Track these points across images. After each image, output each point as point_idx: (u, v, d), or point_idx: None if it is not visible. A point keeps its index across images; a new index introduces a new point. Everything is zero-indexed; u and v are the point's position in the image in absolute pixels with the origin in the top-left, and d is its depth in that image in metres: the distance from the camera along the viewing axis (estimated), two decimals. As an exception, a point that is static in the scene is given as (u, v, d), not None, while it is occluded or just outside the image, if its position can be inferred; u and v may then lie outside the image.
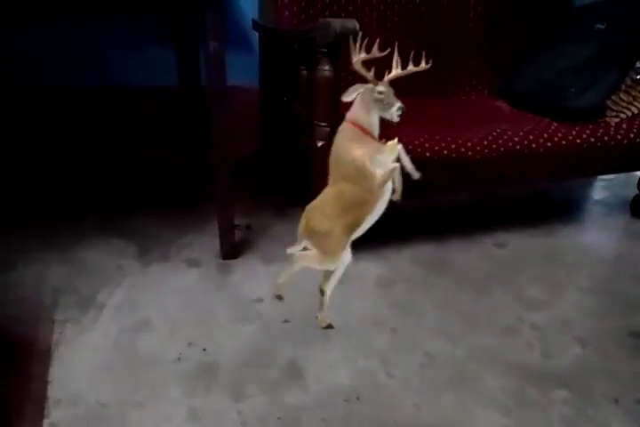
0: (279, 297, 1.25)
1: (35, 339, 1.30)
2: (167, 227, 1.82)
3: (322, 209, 1.15)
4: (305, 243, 1.18)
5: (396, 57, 1.12)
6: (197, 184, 2.09)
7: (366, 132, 1.14)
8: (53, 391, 1.15)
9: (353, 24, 1.31)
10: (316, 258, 1.16)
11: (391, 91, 1.12)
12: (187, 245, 1.73)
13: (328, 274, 1.26)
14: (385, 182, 1.12)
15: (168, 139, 2.14)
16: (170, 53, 2.02)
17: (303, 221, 1.16)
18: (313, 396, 1.17)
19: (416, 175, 1.17)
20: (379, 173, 1.11)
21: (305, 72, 1.58)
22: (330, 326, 1.35)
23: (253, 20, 2.01)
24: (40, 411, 1.10)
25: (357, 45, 1.12)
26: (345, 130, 1.16)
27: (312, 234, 1.15)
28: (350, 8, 1.90)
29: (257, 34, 2.01)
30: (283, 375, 1.23)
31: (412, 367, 1.27)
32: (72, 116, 2.06)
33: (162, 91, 2.07)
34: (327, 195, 1.16)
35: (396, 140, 1.12)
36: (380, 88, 1.11)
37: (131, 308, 1.43)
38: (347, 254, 1.19)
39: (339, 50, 1.35)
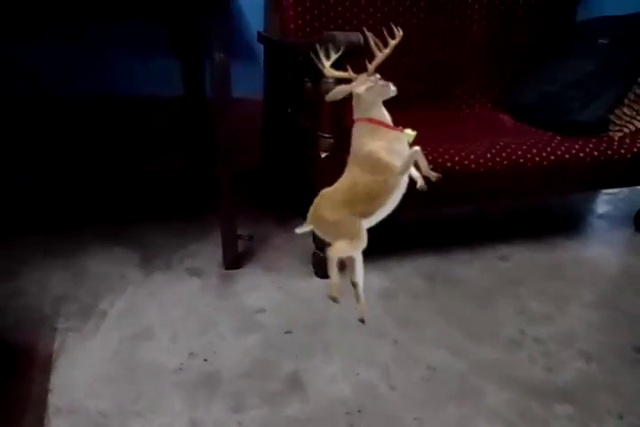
0: (334, 299, 1.18)
1: (36, 347, 1.30)
2: (170, 236, 1.83)
3: (332, 198, 1.13)
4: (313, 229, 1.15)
5: (372, 41, 1.12)
6: (201, 194, 2.10)
7: (379, 122, 1.13)
8: (54, 400, 1.15)
9: (357, 37, 1.32)
10: (343, 246, 1.13)
11: (375, 75, 1.12)
12: (189, 255, 1.73)
13: (352, 265, 1.23)
14: (407, 168, 1.10)
15: (172, 149, 2.16)
16: (175, 64, 2.04)
17: (312, 207, 1.14)
18: (314, 408, 1.17)
19: (433, 176, 1.16)
20: (397, 162, 1.10)
21: (309, 84, 1.59)
22: (362, 321, 1.31)
23: (258, 33, 2.03)
24: (40, 419, 1.10)
25: (321, 56, 1.13)
26: (357, 127, 1.15)
27: (319, 222, 1.13)
28: (355, 22, 1.92)
29: (262, 46, 2.03)
30: (284, 387, 1.22)
31: (414, 380, 1.26)
32: (77, 126, 2.07)
33: (167, 101, 2.09)
34: (342, 183, 1.14)
35: (409, 130, 1.11)
36: (375, 77, 1.12)
37: (132, 317, 1.43)
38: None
39: (344, 63, 1.36)
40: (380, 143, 1.10)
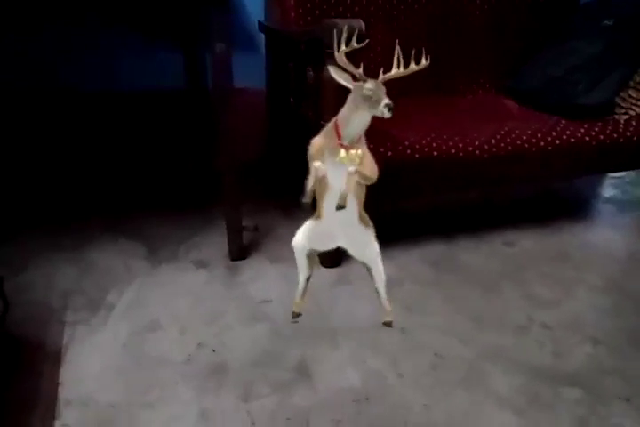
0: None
1: (45, 341, 1.31)
2: (176, 228, 1.83)
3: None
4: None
5: (397, 54, 1.09)
6: (205, 185, 2.10)
7: (337, 129, 1.11)
8: (64, 393, 1.16)
9: (359, 24, 1.30)
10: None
11: (381, 88, 1.08)
12: (195, 246, 1.73)
13: (370, 274, 1.22)
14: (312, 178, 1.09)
15: (176, 140, 2.15)
16: (176, 55, 2.03)
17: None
18: (322, 396, 1.17)
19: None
20: (314, 165, 1.09)
21: (311, 73, 1.57)
22: (388, 325, 1.26)
23: (259, 22, 2.01)
24: (51, 412, 1.11)
25: (341, 40, 1.09)
26: (326, 125, 1.14)
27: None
28: (356, 8, 1.90)
29: (263, 35, 2.01)
30: (292, 376, 1.22)
31: (422, 367, 1.26)
32: (81, 119, 2.07)
33: (169, 93, 2.08)
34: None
35: (354, 151, 1.07)
36: (369, 85, 1.08)
37: (140, 309, 1.44)
38: None
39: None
40: (322, 140, 1.08)
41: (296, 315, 1.28)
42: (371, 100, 1.03)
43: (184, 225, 1.85)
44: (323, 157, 1.09)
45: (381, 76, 1.07)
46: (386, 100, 1.02)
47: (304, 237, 1.21)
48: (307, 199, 1.11)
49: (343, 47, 1.09)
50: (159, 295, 1.49)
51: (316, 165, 1.06)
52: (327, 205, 1.15)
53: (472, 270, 1.65)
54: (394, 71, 1.08)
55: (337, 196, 1.10)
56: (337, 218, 1.16)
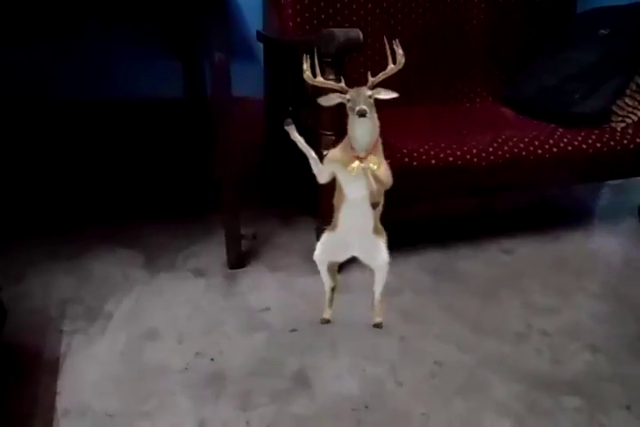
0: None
1: (43, 350, 1.30)
2: (174, 237, 1.83)
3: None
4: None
5: (389, 49, 1.09)
6: (204, 194, 2.10)
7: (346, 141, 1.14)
8: (62, 402, 1.15)
9: (356, 34, 1.32)
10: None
11: (360, 94, 1.05)
12: (193, 255, 1.73)
13: (374, 277, 1.31)
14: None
15: (174, 149, 2.16)
16: (175, 65, 2.04)
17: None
18: (321, 405, 1.17)
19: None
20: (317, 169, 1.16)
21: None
22: (378, 326, 1.39)
23: (258, 32, 2.03)
24: (49, 422, 1.10)
25: (304, 62, 1.11)
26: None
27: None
28: (354, 18, 1.92)
29: (261, 45, 2.02)
30: (290, 385, 1.22)
31: (421, 375, 1.26)
32: (79, 128, 2.08)
33: (168, 102, 2.09)
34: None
35: (359, 164, 1.09)
36: (348, 95, 1.09)
37: (138, 318, 1.43)
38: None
39: (343, 59, 1.36)
40: (338, 151, 1.14)
41: (325, 321, 1.40)
42: (353, 109, 1.06)
43: (182, 234, 1.85)
44: (330, 169, 1.13)
45: (370, 80, 1.09)
46: (358, 107, 1.04)
47: (322, 250, 1.26)
48: (289, 123, 1.20)
49: (318, 74, 1.12)
50: (157, 304, 1.49)
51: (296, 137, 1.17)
52: (343, 215, 1.18)
53: (470, 278, 1.65)
54: (388, 68, 1.10)
55: (355, 207, 1.14)
56: (353, 228, 1.19)
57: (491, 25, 2.09)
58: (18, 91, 1.95)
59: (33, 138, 2.04)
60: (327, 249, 1.27)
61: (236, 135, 1.52)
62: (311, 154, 1.17)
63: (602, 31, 1.87)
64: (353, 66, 1.87)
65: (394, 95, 1.09)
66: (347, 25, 1.89)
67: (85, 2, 1.63)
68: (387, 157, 1.49)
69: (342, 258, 1.30)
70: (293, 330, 1.39)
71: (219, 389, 1.20)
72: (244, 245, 1.70)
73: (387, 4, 1.95)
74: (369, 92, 1.06)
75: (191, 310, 1.47)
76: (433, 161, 1.54)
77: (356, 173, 1.09)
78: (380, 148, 1.13)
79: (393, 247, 1.77)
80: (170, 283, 1.59)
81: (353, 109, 1.04)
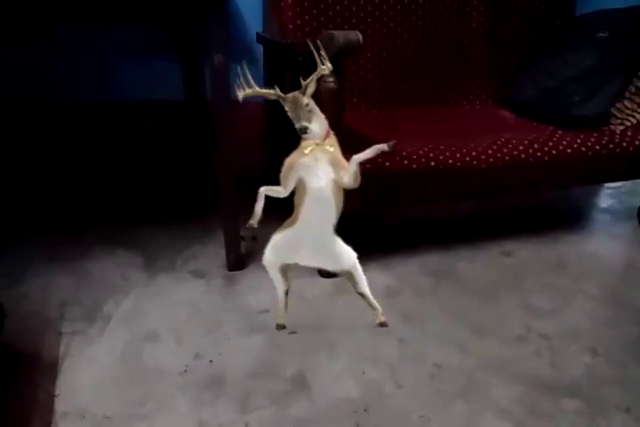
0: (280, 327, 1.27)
1: (41, 352, 1.30)
2: (173, 238, 1.83)
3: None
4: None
5: (316, 53, 1.13)
6: (203, 196, 2.10)
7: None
8: (60, 404, 1.15)
9: (356, 36, 1.32)
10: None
11: (298, 106, 1.14)
12: (193, 257, 1.73)
13: (352, 279, 1.24)
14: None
15: (174, 151, 2.16)
16: (175, 67, 2.04)
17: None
18: (320, 407, 1.16)
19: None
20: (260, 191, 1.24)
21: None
22: (383, 325, 1.30)
23: (257, 33, 2.03)
24: (47, 424, 1.10)
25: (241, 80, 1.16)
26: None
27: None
28: (354, 20, 1.92)
29: (261, 47, 2.02)
30: (290, 387, 1.22)
31: (421, 378, 1.26)
32: (79, 129, 2.08)
33: (167, 104, 2.09)
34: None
35: (314, 144, 1.14)
36: (286, 107, 1.16)
37: (137, 319, 1.43)
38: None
39: (342, 61, 1.36)
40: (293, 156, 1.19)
41: (281, 327, 1.32)
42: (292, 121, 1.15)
43: (182, 235, 1.85)
44: (294, 173, 1.13)
45: (303, 84, 1.12)
46: (297, 126, 1.15)
47: (272, 252, 1.22)
48: (253, 221, 1.21)
49: (245, 87, 1.15)
50: (156, 306, 1.49)
51: (260, 190, 1.20)
52: (305, 209, 1.17)
53: (470, 280, 1.65)
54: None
55: (318, 198, 1.14)
56: (314, 222, 1.17)
57: (490, 27, 2.09)
58: (18, 92, 1.95)
59: (33, 139, 2.04)
60: (279, 250, 1.22)
61: (236, 137, 1.52)
62: (261, 193, 1.24)
63: (601, 34, 1.88)
64: (352, 67, 1.87)
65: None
66: (346, 27, 1.89)
67: (86, 3, 1.63)
68: (387, 159, 1.50)
69: (294, 260, 1.23)
70: (293, 332, 1.39)
71: (218, 391, 1.20)
72: (244, 246, 1.70)
73: (387, 7, 1.95)
74: (305, 100, 1.11)
75: (190, 311, 1.47)
76: (433, 163, 1.54)
77: (309, 151, 1.10)
78: (334, 138, 1.16)
79: (393, 249, 1.77)
80: (169, 284, 1.59)
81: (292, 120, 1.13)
